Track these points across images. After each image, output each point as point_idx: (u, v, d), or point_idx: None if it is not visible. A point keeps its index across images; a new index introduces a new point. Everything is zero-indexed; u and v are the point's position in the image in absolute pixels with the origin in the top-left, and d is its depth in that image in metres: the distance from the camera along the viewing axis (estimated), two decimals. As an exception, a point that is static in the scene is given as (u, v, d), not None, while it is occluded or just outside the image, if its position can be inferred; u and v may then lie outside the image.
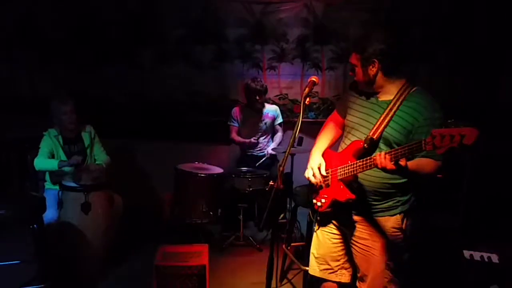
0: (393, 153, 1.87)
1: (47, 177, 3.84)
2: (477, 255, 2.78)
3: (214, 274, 3.35)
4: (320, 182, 2.27)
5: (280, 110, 4.67)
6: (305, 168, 2.39)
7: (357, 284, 2.35)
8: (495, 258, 2.75)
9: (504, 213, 3.90)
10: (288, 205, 4.18)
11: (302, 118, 2.10)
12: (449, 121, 1.63)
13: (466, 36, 4.72)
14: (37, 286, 3.15)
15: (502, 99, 4.67)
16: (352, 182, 2.15)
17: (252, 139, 4.47)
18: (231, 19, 4.82)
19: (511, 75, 4.68)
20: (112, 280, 3.49)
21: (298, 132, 2.13)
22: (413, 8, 4.72)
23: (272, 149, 4.47)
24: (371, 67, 2.09)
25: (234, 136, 4.59)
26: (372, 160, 1.98)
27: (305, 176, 2.36)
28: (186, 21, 4.80)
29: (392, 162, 1.88)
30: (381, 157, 1.90)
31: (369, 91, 2.20)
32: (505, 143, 4.20)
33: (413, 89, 2.10)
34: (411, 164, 1.94)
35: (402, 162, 1.88)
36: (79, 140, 3.88)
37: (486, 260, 2.74)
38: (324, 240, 2.41)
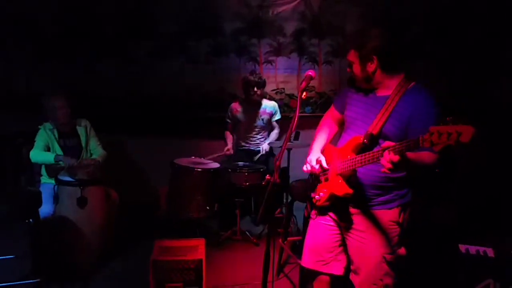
0: (391, 149, 1.85)
1: (43, 171, 3.83)
2: (472, 249, 2.80)
3: (210, 268, 3.36)
4: (319, 172, 2.27)
5: (278, 106, 4.65)
6: (302, 162, 2.39)
7: (351, 276, 2.35)
8: (490, 252, 2.76)
9: (499, 208, 3.93)
10: (284, 200, 4.18)
11: (298, 112, 2.10)
12: (447, 118, 1.63)
13: (463, 34, 4.72)
14: (32, 281, 3.14)
15: (498, 97, 4.68)
16: (350, 177, 2.15)
17: (228, 148, 4.54)
18: (227, 13, 4.79)
19: (508, 74, 4.69)
20: (108, 275, 3.49)
21: (295, 126, 2.13)
22: (411, 4, 4.72)
23: (269, 143, 4.47)
24: (369, 63, 2.09)
25: (227, 133, 4.67)
26: (371, 155, 1.97)
27: (303, 171, 2.36)
28: (182, 15, 4.77)
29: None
30: (379, 154, 1.89)
31: (367, 87, 2.19)
32: (501, 139, 4.22)
33: (411, 84, 2.10)
34: (411, 154, 1.91)
35: (394, 158, 1.85)
36: (74, 134, 3.88)
37: (481, 254, 2.76)
38: (319, 231, 2.41)
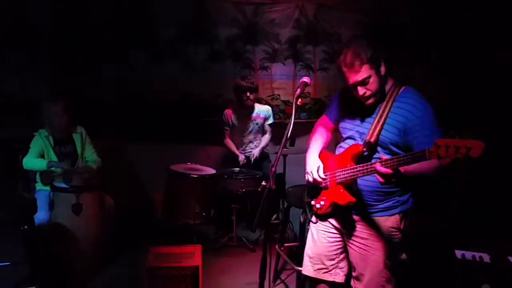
0: (395, 161, 1.86)
1: (38, 178, 3.81)
2: (468, 255, 2.80)
3: (207, 275, 3.35)
4: (321, 184, 2.28)
5: (273, 111, 4.66)
6: (298, 168, 2.40)
7: (352, 283, 2.35)
8: (486, 257, 2.77)
9: (496, 214, 3.94)
10: (280, 206, 4.18)
11: (294, 119, 2.11)
12: (451, 132, 1.63)
13: (457, 37, 4.76)
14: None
15: (493, 100, 4.71)
16: (351, 185, 2.16)
17: (241, 157, 4.48)
18: (223, 20, 4.80)
19: (502, 76, 4.73)
20: (104, 282, 3.47)
21: (290, 132, 2.14)
22: (405, 9, 4.76)
23: (260, 149, 4.46)
24: (382, 68, 2.06)
25: (227, 141, 4.61)
26: (373, 167, 1.97)
27: (305, 180, 2.36)
28: (178, 21, 4.78)
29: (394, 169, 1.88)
30: (382, 165, 1.90)
31: (375, 100, 2.13)
32: (497, 144, 4.23)
33: (402, 89, 2.11)
34: (410, 167, 1.91)
35: (387, 171, 1.88)
36: (70, 141, 3.86)
37: (477, 259, 2.76)
38: (320, 239, 2.41)
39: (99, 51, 4.79)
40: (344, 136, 2.32)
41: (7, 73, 4.73)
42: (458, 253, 2.82)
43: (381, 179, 1.91)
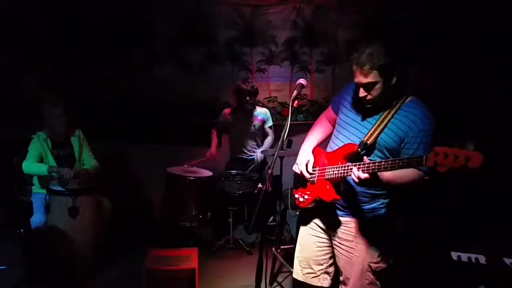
0: (389, 162, 1.86)
1: (35, 180, 3.78)
2: (464, 256, 2.81)
3: (203, 277, 3.35)
4: (307, 178, 2.28)
5: (270, 113, 4.66)
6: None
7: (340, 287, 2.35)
8: (482, 259, 2.78)
9: (492, 214, 3.95)
10: (277, 208, 4.18)
11: (290, 120, 2.11)
12: (452, 141, 1.62)
13: (455, 37, 4.77)
14: (24, 291, 3.12)
15: (490, 100, 4.72)
16: (339, 183, 2.16)
17: (209, 155, 4.45)
18: (220, 22, 4.80)
19: (500, 76, 4.74)
20: (101, 285, 3.46)
21: (287, 134, 2.14)
22: (403, 10, 4.76)
23: (262, 151, 4.46)
24: (394, 79, 2.01)
25: (214, 132, 4.61)
26: (343, 169, 2.05)
27: (292, 170, 2.36)
28: (176, 23, 4.77)
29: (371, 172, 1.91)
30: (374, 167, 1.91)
31: (374, 106, 2.11)
32: (493, 144, 4.24)
33: (409, 98, 2.09)
34: (388, 174, 1.93)
35: (362, 176, 1.91)
36: (68, 144, 3.83)
37: (473, 261, 2.77)
38: (309, 243, 2.40)
39: (97, 52, 4.78)
40: (339, 129, 2.29)
41: (4, 74, 4.71)
42: (454, 254, 2.82)
43: (356, 180, 1.94)
